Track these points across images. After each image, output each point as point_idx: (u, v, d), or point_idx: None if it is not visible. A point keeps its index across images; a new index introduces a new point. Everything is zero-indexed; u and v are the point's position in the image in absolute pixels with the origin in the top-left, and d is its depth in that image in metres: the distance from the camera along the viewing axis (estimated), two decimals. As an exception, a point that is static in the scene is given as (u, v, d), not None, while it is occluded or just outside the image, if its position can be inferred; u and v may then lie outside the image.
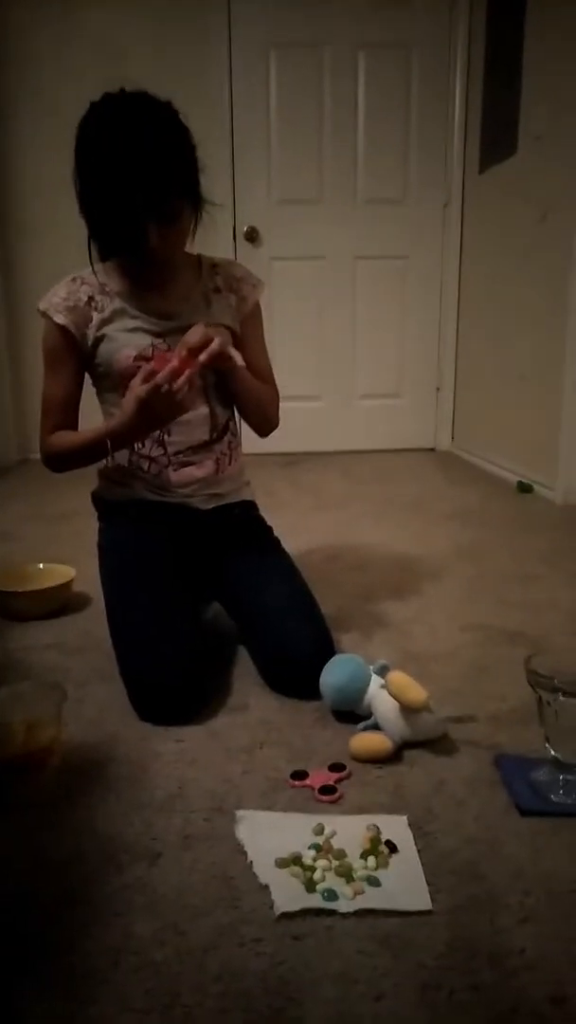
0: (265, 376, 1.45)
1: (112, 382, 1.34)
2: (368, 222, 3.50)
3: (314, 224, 3.48)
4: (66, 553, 1.82)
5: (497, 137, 3.07)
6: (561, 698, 0.92)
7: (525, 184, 2.82)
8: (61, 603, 1.62)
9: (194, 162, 1.22)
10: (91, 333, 1.32)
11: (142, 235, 1.20)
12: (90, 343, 1.33)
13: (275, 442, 1.58)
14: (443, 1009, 0.68)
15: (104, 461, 1.37)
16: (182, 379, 1.14)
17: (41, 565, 1.70)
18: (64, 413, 1.36)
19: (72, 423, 1.38)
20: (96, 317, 1.32)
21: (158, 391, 1.14)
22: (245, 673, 1.32)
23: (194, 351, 1.17)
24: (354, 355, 3.62)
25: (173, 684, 1.14)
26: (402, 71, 3.39)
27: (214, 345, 1.18)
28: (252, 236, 3.45)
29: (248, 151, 3.40)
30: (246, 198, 3.43)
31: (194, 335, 1.19)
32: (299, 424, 3.45)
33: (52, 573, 1.67)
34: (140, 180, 1.15)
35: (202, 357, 1.17)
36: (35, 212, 3.39)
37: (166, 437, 1.35)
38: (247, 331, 1.42)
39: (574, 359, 2.48)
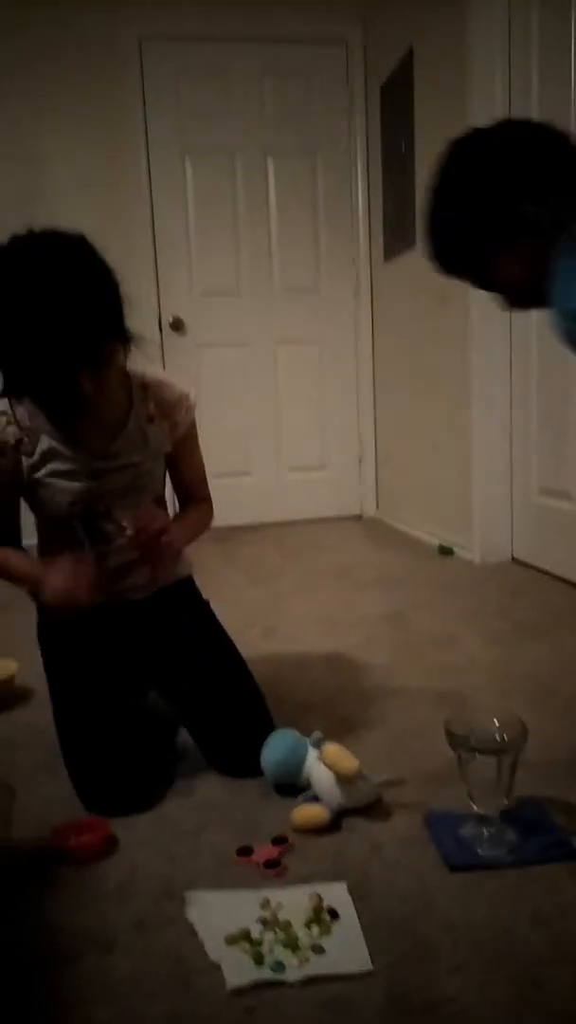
0: (200, 490, 1.50)
1: (48, 519, 1.35)
2: (285, 310, 3.71)
3: (235, 313, 3.67)
4: (7, 646, 1.85)
5: (398, 230, 3.34)
6: (477, 756, 1.01)
7: (425, 272, 3.04)
8: (2, 698, 1.64)
9: (118, 299, 1.17)
10: (22, 478, 1.28)
11: (75, 386, 1.14)
12: (24, 486, 1.30)
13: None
14: (385, 1061, 0.74)
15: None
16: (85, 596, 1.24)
17: (-19, 661, 1.72)
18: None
19: (9, 535, 1.37)
20: (27, 462, 1.26)
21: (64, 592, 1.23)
22: (188, 754, 1.36)
23: (139, 527, 1.27)
24: (279, 431, 3.78)
25: (121, 775, 1.19)
26: (309, 173, 3.67)
27: (159, 524, 1.28)
28: (177, 325, 3.61)
29: (170, 247, 3.59)
30: (170, 290, 3.60)
31: (146, 514, 1.29)
32: (231, 499, 3.53)
33: (-8, 668, 1.69)
34: (68, 333, 1.09)
35: (143, 536, 1.28)
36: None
37: (101, 560, 1.35)
38: (182, 450, 1.43)
39: (479, 427, 2.68)
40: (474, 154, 1.12)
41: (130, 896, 1.00)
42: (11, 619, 2.27)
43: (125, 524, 1.29)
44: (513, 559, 2.69)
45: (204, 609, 1.51)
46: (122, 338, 1.20)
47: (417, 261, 3.15)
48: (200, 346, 3.64)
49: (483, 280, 1.17)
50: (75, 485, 1.28)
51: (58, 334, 1.09)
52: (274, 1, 3.49)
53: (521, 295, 1.16)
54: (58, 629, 1.41)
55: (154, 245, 3.57)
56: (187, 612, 1.48)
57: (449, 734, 1.04)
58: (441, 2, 2.73)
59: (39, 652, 1.47)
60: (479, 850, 1.03)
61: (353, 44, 3.60)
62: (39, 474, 1.28)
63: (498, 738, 1.05)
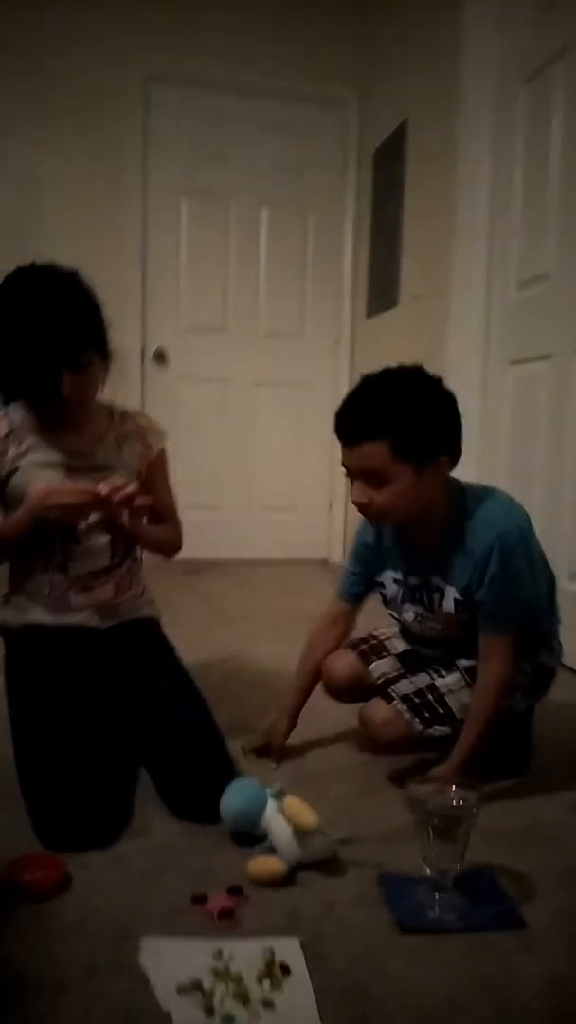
0: (169, 512, 1.60)
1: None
2: (267, 352, 3.79)
3: (219, 350, 3.74)
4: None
5: (382, 289, 3.45)
6: (434, 821, 1.04)
7: (405, 333, 3.18)
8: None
9: (101, 319, 1.41)
10: (6, 465, 1.43)
11: (56, 384, 1.35)
12: (3, 474, 1.43)
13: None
14: None
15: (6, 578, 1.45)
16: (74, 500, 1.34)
17: None
18: None
19: None
20: (12, 451, 1.43)
21: (54, 494, 1.33)
22: (146, 796, 1.36)
23: (112, 487, 1.32)
24: (253, 470, 3.83)
25: (79, 811, 1.19)
26: (300, 225, 3.79)
27: (131, 488, 1.33)
28: (160, 357, 3.66)
29: (159, 281, 3.65)
30: (156, 322, 3.65)
31: (117, 480, 1.34)
32: (202, 532, 3.54)
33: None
34: (53, 334, 1.32)
35: (116, 496, 1.32)
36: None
37: (68, 563, 1.44)
38: (154, 474, 1.57)
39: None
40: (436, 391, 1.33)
41: (83, 938, 1.00)
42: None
43: (100, 486, 1.34)
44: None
45: (169, 651, 1.54)
46: (102, 352, 1.41)
47: (398, 320, 3.27)
48: (181, 378, 3.69)
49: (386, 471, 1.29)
50: (51, 474, 1.43)
51: (45, 334, 1.32)
52: (278, 58, 3.63)
53: (399, 513, 1.34)
54: (23, 657, 1.42)
55: (143, 278, 3.63)
56: (152, 651, 1.51)
57: (409, 798, 1.07)
58: (436, 81, 2.88)
59: (1, 679, 1.47)
60: (430, 913, 1.06)
61: (350, 109, 3.76)
62: (22, 461, 1.43)
63: (455, 803, 1.08)
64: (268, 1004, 0.89)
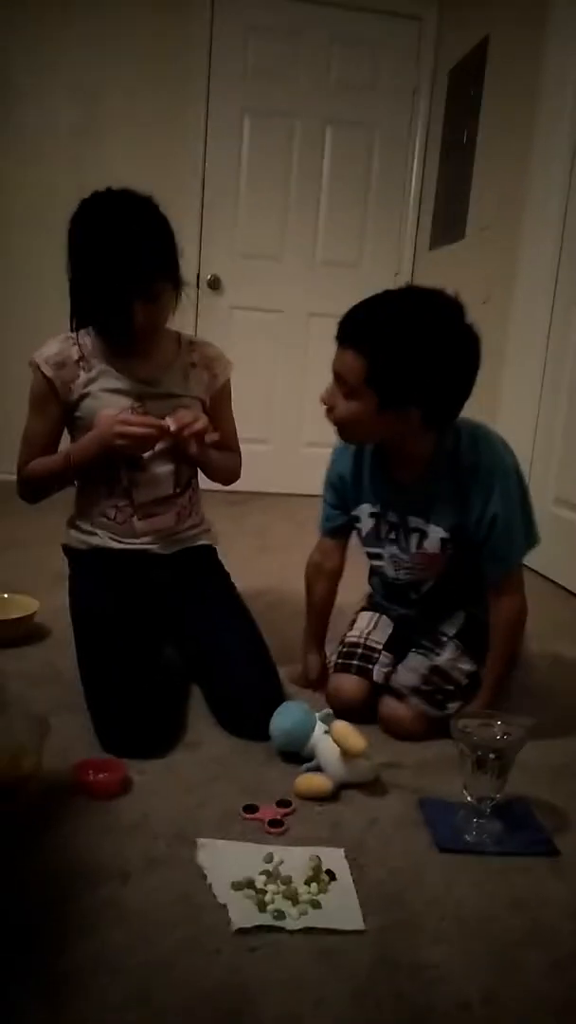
0: (232, 442, 1.63)
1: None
2: (324, 282, 3.71)
3: (274, 279, 3.68)
4: (19, 582, 1.92)
5: (448, 220, 3.34)
6: (478, 752, 1.09)
7: (470, 267, 3.09)
8: (24, 633, 1.71)
9: (174, 248, 1.40)
10: (76, 390, 1.46)
11: (129, 313, 1.37)
12: (74, 398, 1.47)
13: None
14: (372, 1013, 0.82)
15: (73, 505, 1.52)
16: (142, 430, 1.37)
17: (5, 595, 1.79)
18: (42, 450, 1.50)
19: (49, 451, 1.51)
20: (83, 376, 1.46)
21: (126, 424, 1.35)
22: (197, 711, 1.44)
23: (181, 424, 1.35)
24: (302, 405, 3.81)
25: (139, 721, 1.27)
26: (365, 148, 3.65)
27: (200, 424, 1.36)
28: (215, 284, 3.62)
29: (217, 205, 3.58)
30: (211, 248, 3.60)
31: (188, 414, 1.39)
32: (247, 465, 3.59)
33: (15, 603, 1.76)
34: (128, 265, 1.33)
35: (186, 432, 1.37)
36: (10, 255, 3.47)
37: (133, 490, 1.48)
38: (218, 404, 1.59)
39: (504, 429, 2.72)
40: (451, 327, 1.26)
41: (143, 835, 1.09)
42: (26, 557, 2.35)
43: (168, 420, 1.38)
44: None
45: (225, 578, 1.60)
46: (173, 282, 1.42)
47: (463, 254, 3.17)
48: (234, 307, 3.65)
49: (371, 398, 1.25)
50: (122, 400, 1.46)
51: (120, 263, 1.33)
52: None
53: (358, 435, 1.36)
54: (87, 578, 1.49)
55: (202, 200, 3.56)
56: (210, 578, 1.57)
57: (455, 730, 1.12)
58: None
59: (65, 593, 1.55)
60: (468, 837, 1.12)
61: (427, 23, 3.56)
62: (92, 387, 1.46)
63: (499, 737, 1.13)
64: (315, 904, 0.96)
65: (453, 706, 1.41)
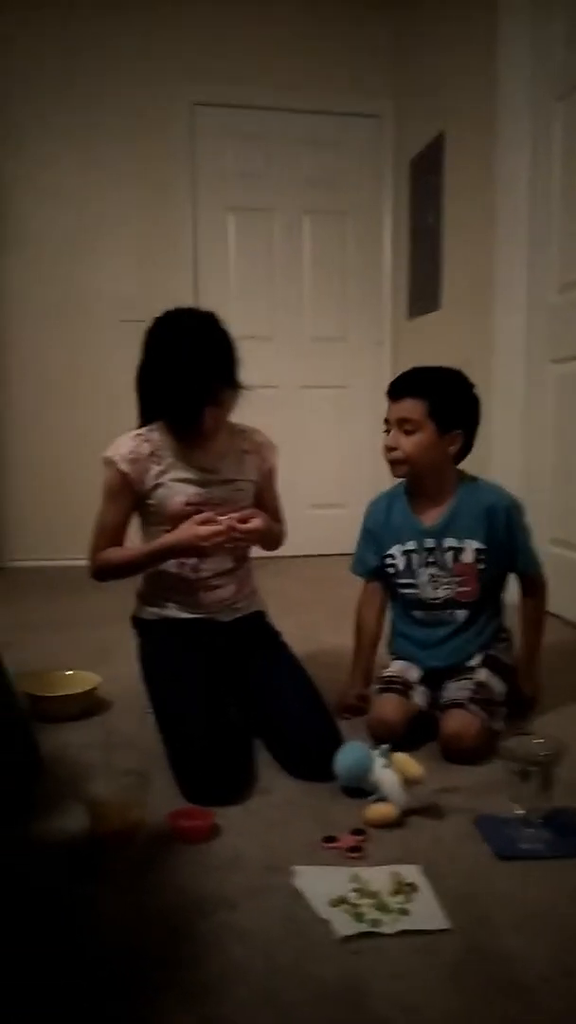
0: (276, 515, 1.86)
1: (160, 518, 1.68)
2: (313, 357, 4.00)
3: (267, 358, 3.95)
4: (69, 659, 2.08)
5: (423, 293, 3.64)
6: (526, 767, 1.25)
7: (449, 334, 3.37)
8: (88, 706, 1.86)
9: (234, 358, 1.64)
10: (149, 481, 1.67)
11: (199, 418, 1.60)
12: (148, 488, 1.67)
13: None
14: (470, 992, 0.97)
15: (137, 581, 1.69)
16: (220, 538, 1.56)
17: (68, 672, 1.94)
18: (114, 537, 1.69)
19: (119, 544, 1.71)
20: (155, 469, 1.67)
21: (208, 538, 1.52)
22: (262, 761, 1.59)
23: (241, 521, 1.57)
24: (301, 469, 4.03)
25: (221, 772, 1.42)
26: (340, 233, 4.00)
27: (257, 523, 1.58)
28: (212, 366, 3.88)
29: (210, 293, 3.86)
30: (206, 334, 3.87)
31: (249, 516, 1.61)
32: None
33: (78, 679, 1.91)
34: (201, 375, 1.57)
35: (244, 526, 1.59)
36: (21, 337, 3.73)
37: (200, 565, 1.67)
38: (266, 484, 1.84)
39: (494, 476, 2.94)
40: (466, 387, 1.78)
41: (239, 869, 1.23)
42: (69, 636, 2.50)
43: (232, 516, 1.59)
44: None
45: (278, 637, 1.77)
46: (236, 387, 1.65)
47: (441, 323, 3.45)
48: (232, 387, 3.91)
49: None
50: (190, 488, 1.68)
51: (194, 375, 1.57)
52: (313, 78, 3.83)
53: (418, 464, 1.71)
54: (157, 647, 1.66)
55: (195, 290, 3.85)
56: (265, 638, 1.74)
57: (502, 748, 1.29)
58: (471, 93, 3.06)
59: (115, 665, 1.71)
60: (523, 845, 1.27)
61: (385, 120, 3.94)
62: (163, 478, 1.67)
63: (541, 754, 1.29)
64: (403, 912, 1.10)
65: (499, 724, 1.62)
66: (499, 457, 2.93)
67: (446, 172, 3.35)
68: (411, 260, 3.81)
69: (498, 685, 1.69)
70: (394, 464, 1.74)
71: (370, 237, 4.01)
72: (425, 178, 3.58)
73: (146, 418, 1.72)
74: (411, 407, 1.68)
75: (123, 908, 1.14)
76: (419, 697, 1.69)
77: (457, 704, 1.61)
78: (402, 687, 1.69)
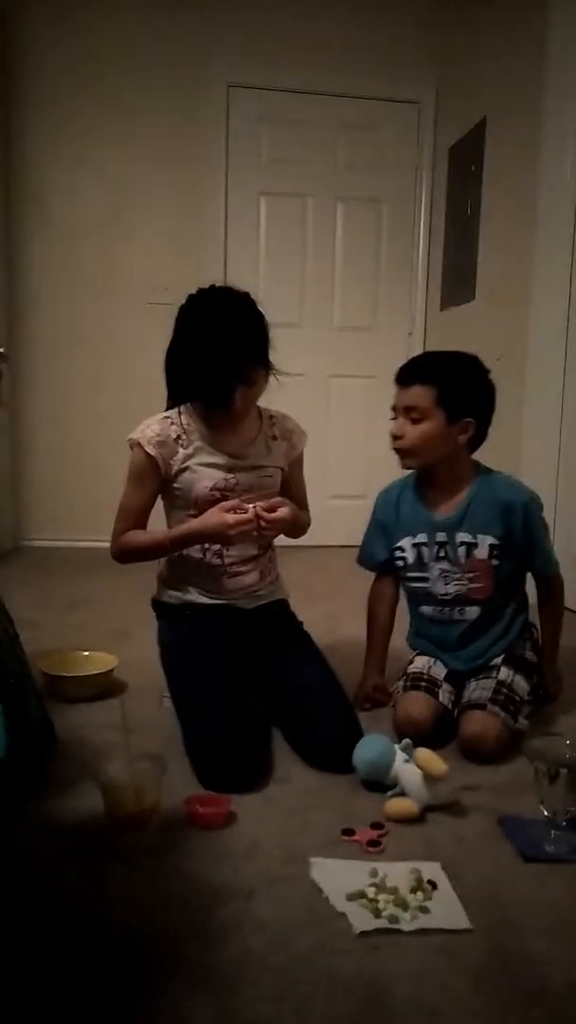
0: (302, 502, 1.82)
1: (185, 502, 1.66)
2: (341, 346, 3.95)
3: (295, 345, 3.89)
4: (85, 640, 2.06)
5: (457, 283, 3.58)
6: (554, 768, 1.22)
7: (482, 327, 3.31)
8: (104, 688, 1.85)
9: (267, 338, 1.61)
10: (176, 464, 1.64)
11: (230, 397, 1.56)
12: (174, 472, 1.64)
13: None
14: (491, 994, 0.94)
15: (159, 564, 1.69)
16: (248, 527, 1.53)
17: (85, 653, 1.93)
18: (137, 519, 1.67)
19: (142, 527, 1.68)
20: (182, 452, 1.64)
21: (236, 527, 1.49)
22: (280, 751, 1.57)
23: (268, 510, 1.54)
24: (327, 460, 4.00)
25: (239, 758, 1.40)
26: (374, 221, 3.93)
27: (284, 513, 1.55)
28: (239, 352, 3.85)
29: (239, 278, 3.75)
30: (235, 319, 3.84)
31: (276, 505, 1.57)
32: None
33: (96, 660, 1.90)
34: (234, 354, 1.54)
35: (270, 515, 1.56)
36: (48, 317, 3.72)
37: (225, 551, 1.64)
38: (294, 470, 1.82)
39: (526, 479, 2.89)
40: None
41: (257, 858, 1.21)
42: (85, 616, 2.49)
43: (259, 504, 1.56)
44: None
45: (300, 627, 1.75)
46: (268, 368, 1.62)
47: (474, 315, 3.39)
48: (259, 373, 3.88)
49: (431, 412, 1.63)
50: (216, 473, 1.64)
51: (226, 354, 1.54)
52: (352, 61, 3.76)
53: (424, 454, 1.65)
54: (178, 633, 1.64)
55: (225, 276, 3.81)
56: (287, 627, 1.72)
57: (528, 748, 1.25)
58: (517, 79, 2.99)
59: (131, 648, 1.69)
60: (548, 847, 1.23)
61: (425, 107, 3.86)
62: (190, 462, 1.64)
63: (569, 755, 1.25)
64: (423, 910, 1.08)
65: (523, 722, 1.57)
66: (532, 454, 2.87)
67: (487, 158, 3.28)
68: (445, 249, 3.75)
69: (521, 683, 1.65)
70: (400, 454, 1.67)
71: (404, 226, 3.94)
72: (464, 165, 3.51)
73: (175, 400, 1.69)
74: (419, 394, 1.61)
75: (137, 892, 1.12)
76: (444, 696, 1.66)
77: (478, 705, 1.57)
78: (429, 684, 1.66)
